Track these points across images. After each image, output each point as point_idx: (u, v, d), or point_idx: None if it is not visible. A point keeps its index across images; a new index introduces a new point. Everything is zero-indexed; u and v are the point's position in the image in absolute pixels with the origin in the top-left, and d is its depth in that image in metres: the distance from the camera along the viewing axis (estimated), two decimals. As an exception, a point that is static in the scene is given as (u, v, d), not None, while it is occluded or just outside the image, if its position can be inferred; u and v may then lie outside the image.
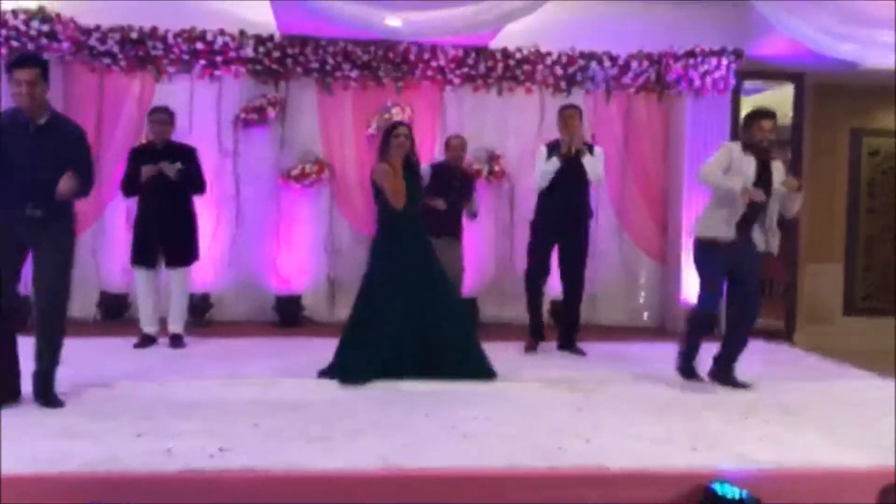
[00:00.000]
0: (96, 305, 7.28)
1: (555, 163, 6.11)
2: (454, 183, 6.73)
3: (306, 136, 7.66)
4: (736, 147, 5.27)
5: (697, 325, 5.36)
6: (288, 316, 7.47)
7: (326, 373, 5.23)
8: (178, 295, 6.21)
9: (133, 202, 6.31)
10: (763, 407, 4.82)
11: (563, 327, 6.50)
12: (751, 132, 5.20)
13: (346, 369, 5.10)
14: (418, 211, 5.39)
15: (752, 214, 5.17)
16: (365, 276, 5.38)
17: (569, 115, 6.22)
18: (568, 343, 6.41)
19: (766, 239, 5.23)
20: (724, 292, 5.44)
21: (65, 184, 4.20)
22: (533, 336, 6.43)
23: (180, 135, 7.06)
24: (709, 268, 5.28)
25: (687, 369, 5.35)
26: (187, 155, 6.17)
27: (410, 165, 5.34)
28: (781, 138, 8.40)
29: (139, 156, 6.14)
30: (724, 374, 5.30)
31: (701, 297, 5.37)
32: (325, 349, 5.85)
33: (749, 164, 5.16)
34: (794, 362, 5.50)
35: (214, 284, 7.44)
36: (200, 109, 7.48)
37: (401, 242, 5.25)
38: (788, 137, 8.42)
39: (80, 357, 4.67)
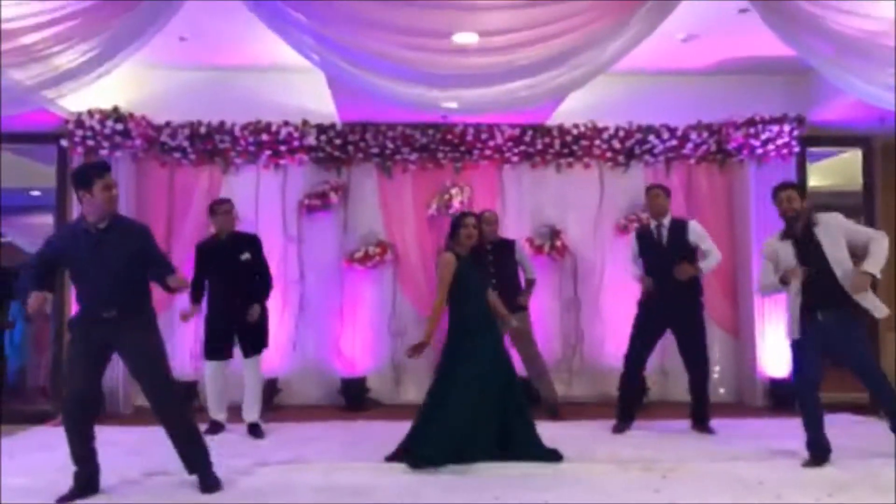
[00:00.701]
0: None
1: (640, 275, 6.25)
2: (486, 259, 6.62)
3: (368, 219, 7.77)
4: (773, 239, 5.19)
5: (802, 399, 5.11)
6: (354, 399, 7.43)
7: (395, 457, 5.14)
8: (254, 384, 6.21)
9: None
10: (851, 484, 4.54)
11: (694, 407, 6.26)
12: (777, 208, 5.10)
13: (418, 454, 5.00)
14: (484, 300, 5.34)
15: (815, 293, 4.96)
16: (439, 363, 5.33)
17: (654, 195, 6.23)
18: (699, 422, 6.19)
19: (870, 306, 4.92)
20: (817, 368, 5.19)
21: (174, 282, 4.42)
22: (621, 417, 6.19)
23: (247, 224, 7.27)
24: (794, 357, 5.10)
25: (812, 443, 5.03)
26: (252, 244, 6.26)
27: (479, 258, 5.34)
28: (853, 203, 8.22)
29: (205, 251, 6.23)
30: None
31: (792, 375, 5.21)
32: (390, 432, 5.79)
33: (786, 249, 5.03)
34: (883, 436, 5.18)
35: (281, 369, 7.48)
36: (266, 198, 7.68)
37: (471, 331, 5.20)
38: (861, 202, 8.19)
39: (148, 445, 4.69)
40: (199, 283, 6.14)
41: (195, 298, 6.16)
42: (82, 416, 4.40)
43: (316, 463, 5.12)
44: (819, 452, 4.98)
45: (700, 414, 6.20)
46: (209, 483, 4.48)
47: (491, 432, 5.10)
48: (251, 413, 6.18)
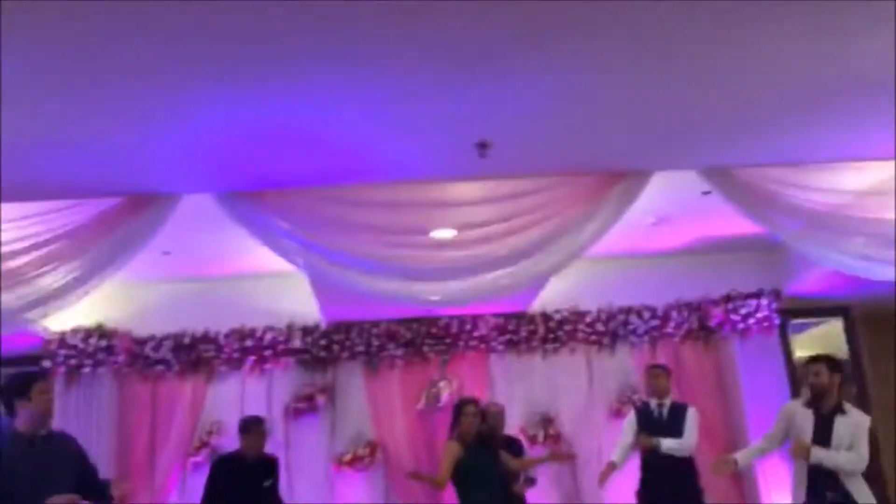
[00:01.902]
0: None
1: (620, 459, 6.11)
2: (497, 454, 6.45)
3: (356, 418, 7.62)
4: (796, 404, 5.15)
5: None
6: None
7: None
8: None
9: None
10: None
11: None
12: (805, 379, 5.08)
13: None
14: (496, 490, 5.15)
15: (817, 476, 4.85)
16: None
17: (654, 374, 6.23)
18: None
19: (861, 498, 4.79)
20: None
21: (119, 488, 4.18)
22: None
23: (232, 433, 7.08)
24: None
25: None
26: (274, 469, 5.95)
27: (486, 445, 5.19)
28: (843, 372, 8.20)
29: (228, 468, 5.84)
30: None
31: None
32: None
33: (807, 419, 4.96)
34: None
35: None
36: (251, 404, 7.53)
37: None
38: (850, 371, 8.18)
39: None
40: (219, 497, 5.71)
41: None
42: None
43: None
44: None
45: None
46: None
47: None
48: None
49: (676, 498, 5.89)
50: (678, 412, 6.07)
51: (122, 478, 4.27)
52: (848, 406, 4.96)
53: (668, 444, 5.90)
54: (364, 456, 7.39)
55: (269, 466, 5.92)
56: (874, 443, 7.74)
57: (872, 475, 7.58)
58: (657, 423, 6.06)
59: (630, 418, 6.30)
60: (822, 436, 4.85)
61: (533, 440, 7.49)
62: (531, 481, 6.50)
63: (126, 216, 5.16)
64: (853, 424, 4.86)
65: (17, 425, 4.10)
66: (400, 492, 7.46)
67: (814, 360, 5.09)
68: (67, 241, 5.08)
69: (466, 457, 5.00)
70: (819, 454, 4.79)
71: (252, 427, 5.90)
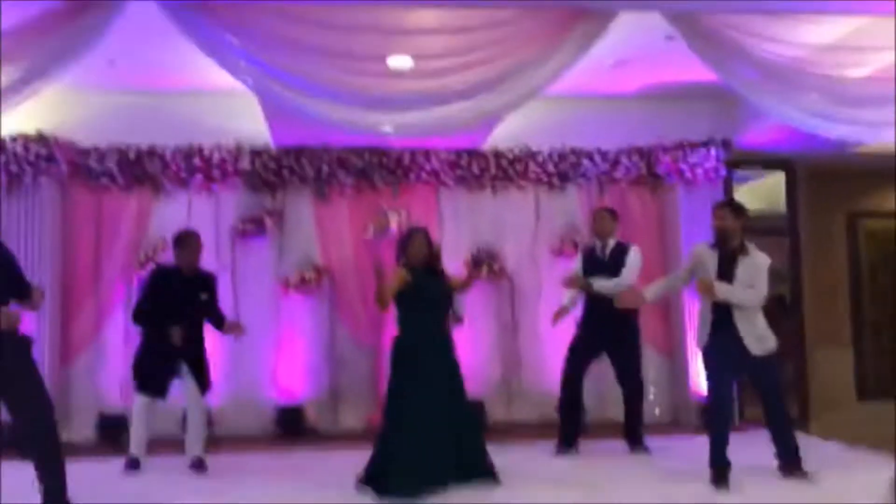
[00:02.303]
0: (94, 427, 7.11)
1: (570, 300, 6.31)
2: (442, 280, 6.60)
3: (304, 244, 7.68)
4: (703, 246, 5.33)
5: (712, 418, 5.20)
6: (291, 428, 7.29)
7: (363, 482, 5.00)
8: (199, 420, 5.89)
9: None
10: (784, 497, 4.63)
11: (627, 426, 6.30)
12: (713, 222, 5.24)
13: (390, 484, 4.83)
14: (442, 319, 5.28)
15: (719, 312, 5.10)
16: (390, 381, 5.18)
17: (599, 216, 6.36)
18: (634, 441, 6.24)
19: (749, 338, 5.06)
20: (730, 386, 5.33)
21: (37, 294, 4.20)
22: (563, 442, 6.15)
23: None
24: (707, 371, 5.24)
25: (715, 461, 5.06)
26: (211, 283, 5.98)
27: (433, 271, 5.27)
28: (779, 226, 8.49)
29: (164, 280, 5.85)
30: (787, 468, 5.14)
31: (707, 392, 5.31)
32: (328, 462, 5.72)
33: (712, 258, 5.17)
34: (813, 452, 5.32)
35: (215, 399, 7.25)
36: (198, 223, 7.46)
37: (423, 347, 5.11)
38: (785, 225, 8.46)
39: (77, 481, 4.49)
40: (147, 307, 5.78)
41: (140, 321, 5.84)
42: None
43: (252, 500, 4.95)
44: (722, 468, 5.04)
45: (634, 433, 6.26)
46: None
47: (452, 453, 5.00)
48: (195, 447, 5.86)
49: (613, 335, 6.13)
50: (620, 252, 6.23)
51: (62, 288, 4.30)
52: (752, 248, 5.16)
53: (599, 283, 6.08)
54: (310, 279, 7.52)
55: (205, 280, 5.96)
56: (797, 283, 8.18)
57: (794, 314, 8.10)
58: (600, 263, 6.23)
59: (577, 260, 6.50)
60: (726, 274, 5.09)
61: (477, 274, 7.66)
62: (458, 320, 6.67)
63: (69, 18, 4.89)
64: (754, 265, 5.09)
65: None
66: (345, 317, 7.67)
67: (719, 205, 5.32)
68: (7, 41, 4.82)
69: (414, 280, 5.10)
70: (722, 288, 5.03)
71: (185, 239, 5.88)
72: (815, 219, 8.75)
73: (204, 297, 5.88)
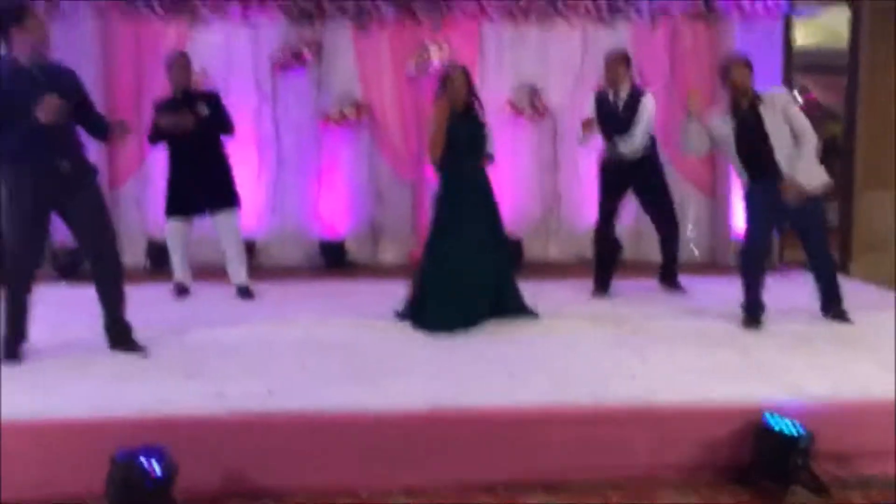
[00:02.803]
0: (144, 254, 7.37)
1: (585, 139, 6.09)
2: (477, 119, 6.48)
3: (344, 78, 7.56)
4: (712, 123, 5.12)
5: (747, 262, 5.20)
6: (332, 260, 7.49)
7: (404, 314, 5.16)
8: (234, 243, 5.99)
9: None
10: (816, 338, 4.70)
11: (663, 263, 6.34)
12: (727, 81, 5.01)
13: (431, 317, 4.96)
14: (479, 161, 5.25)
15: (757, 166, 4.96)
16: (434, 218, 5.24)
17: (610, 61, 6.02)
18: (668, 279, 6.29)
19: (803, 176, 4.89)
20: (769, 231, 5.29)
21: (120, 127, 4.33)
22: (598, 285, 6.14)
23: (217, 81, 7.07)
24: (748, 211, 5.17)
25: (748, 305, 5.10)
26: (210, 100, 5.97)
27: (471, 112, 5.19)
28: (838, 63, 8.12)
29: (161, 108, 5.91)
30: (829, 309, 5.15)
31: (746, 234, 5.26)
32: (370, 291, 5.92)
33: (727, 128, 5.01)
34: (849, 293, 5.34)
35: (258, 231, 7.47)
36: (237, 54, 7.43)
37: (464, 187, 5.13)
38: (846, 62, 8.08)
39: (128, 305, 4.72)
40: (155, 131, 5.89)
41: (152, 142, 5.99)
42: (27, 283, 4.25)
43: (296, 320, 5.19)
44: (755, 312, 5.07)
45: (668, 270, 6.29)
46: (131, 346, 4.40)
47: (491, 290, 5.13)
48: (239, 275, 6.02)
49: (634, 177, 5.99)
50: (634, 100, 5.96)
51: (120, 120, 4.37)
52: (760, 94, 4.97)
53: (619, 148, 5.90)
54: (351, 115, 7.46)
55: (202, 99, 5.92)
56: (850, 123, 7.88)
57: (844, 155, 7.88)
58: (612, 113, 5.99)
59: (589, 102, 6.18)
60: (747, 131, 4.92)
61: (519, 112, 7.55)
62: (490, 159, 6.58)
63: None
64: (776, 105, 4.90)
65: (15, 54, 4.07)
66: (385, 152, 7.66)
67: (742, 63, 5.02)
68: None
69: (451, 122, 5.05)
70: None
71: (171, 62, 5.91)
72: (876, 58, 8.32)
73: (203, 111, 5.82)
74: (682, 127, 5.35)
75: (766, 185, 4.96)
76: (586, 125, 6.00)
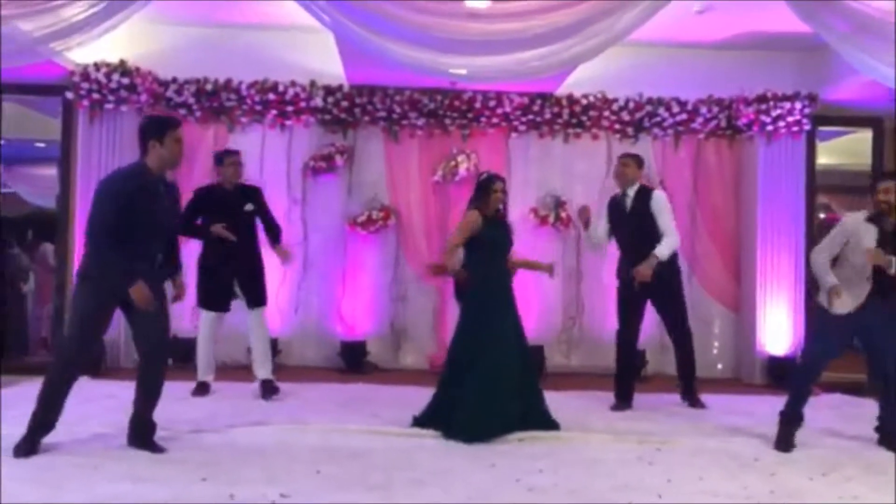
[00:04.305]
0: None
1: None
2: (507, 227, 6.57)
3: (373, 183, 7.74)
4: (859, 216, 4.99)
5: (799, 379, 5.10)
6: (353, 362, 7.47)
7: (422, 422, 5.09)
8: (262, 339, 6.07)
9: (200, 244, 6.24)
10: (845, 464, 4.56)
11: (680, 378, 6.27)
12: (874, 198, 4.95)
13: (459, 427, 4.88)
14: (505, 261, 5.31)
15: (881, 284, 4.83)
16: (460, 322, 5.21)
17: (621, 163, 6.14)
18: (687, 394, 6.21)
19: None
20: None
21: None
22: (619, 397, 6.08)
23: (252, 183, 7.24)
24: (821, 335, 5.03)
25: (786, 419, 4.97)
26: (255, 195, 6.17)
27: (502, 219, 5.32)
28: (861, 184, 8.18)
29: (205, 198, 6.06)
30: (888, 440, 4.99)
31: (805, 355, 5.20)
32: (388, 396, 5.87)
33: (870, 232, 4.86)
34: (873, 417, 5.22)
35: (282, 329, 7.50)
36: (271, 158, 7.65)
37: (493, 293, 5.15)
38: (869, 184, 8.14)
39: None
40: (192, 223, 5.95)
41: (186, 233, 5.95)
42: (78, 374, 4.43)
43: (314, 424, 5.14)
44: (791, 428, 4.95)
45: (687, 386, 6.21)
46: (150, 447, 4.39)
47: (519, 395, 5.06)
48: (263, 370, 6.04)
49: (652, 286, 5.90)
50: (642, 198, 5.99)
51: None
52: None
53: (663, 252, 5.84)
54: (378, 219, 7.60)
55: (248, 193, 6.12)
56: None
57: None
58: (623, 212, 6.05)
59: (603, 214, 6.26)
60: (888, 246, 4.80)
61: (543, 221, 7.65)
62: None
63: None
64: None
65: (147, 164, 4.33)
66: (410, 256, 7.74)
67: (885, 176, 5.02)
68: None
69: (485, 229, 5.14)
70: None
71: (224, 158, 6.10)
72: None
73: (249, 207, 6.01)
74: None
75: (875, 307, 4.84)
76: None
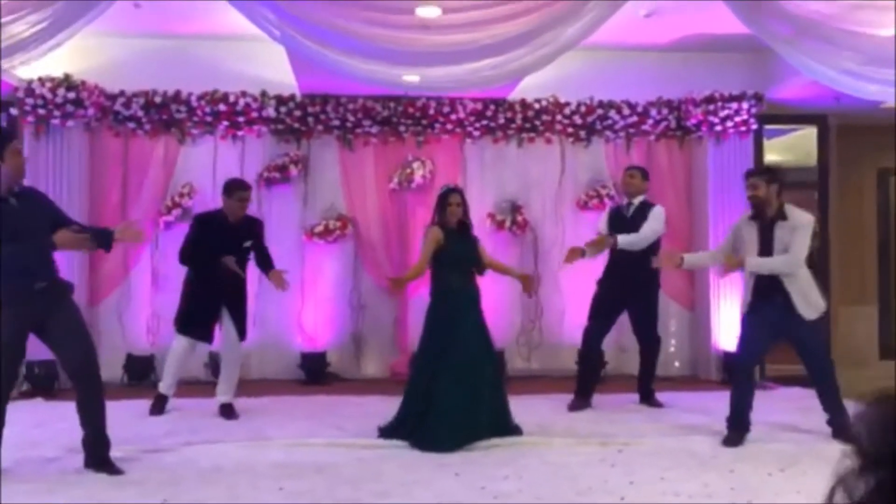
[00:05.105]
0: (122, 368, 7.27)
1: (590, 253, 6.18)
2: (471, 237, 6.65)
3: (329, 192, 7.70)
4: (744, 218, 5.21)
5: (739, 382, 5.20)
6: (313, 373, 7.42)
7: (388, 432, 5.09)
8: (234, 366, 6.00)
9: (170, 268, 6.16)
10: (801, 459, 4.67)
11: (640, 381, 6.42)
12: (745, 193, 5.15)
13: (427, 438, 4.89)
14: (471, 274, 5.35)
15: (762, 282, 5.03)
16: (424, 333, 5.26)
17: (629, 175, 6.34)
18: (646, 396, 6.34)
19: (800, 302, 4.99)
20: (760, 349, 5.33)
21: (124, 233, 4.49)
22: (579, 395, 6.19)
23: (204, 196, 7.18)
24: (745, 333, 5.20)
25: (734, 423, 5.09)
26: (257, 229, 6.07)
27: (465, 231, 5.34)
28: (808, 180, 8.38)
29: (211, 226, 5.90)
30: (840, 431, 5.04)
31: (737, 350, 5.32)
32: (350, 407, 5.84)
33: (751, 231, 5.08)
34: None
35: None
36: (223, 170, 7.52)
37: (456, 303, 5.20)
38: (815, 179, 8.36)
39: (106, 421, 4.63)
40: (197, 252, 5.84)
41: (186, 261, 5.90)
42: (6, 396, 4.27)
43: (277, 440, 5.10)
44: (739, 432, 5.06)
45: (646, 388, 6.35)
46: (107, 468, 4.31)
47: (486, 409, 5.08)
48: (227, 394, 5.98)
49: (634, 290, 6.14)
50: (644, 211, 6.21)
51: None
52: (790, 210, 5.03)
53: (623, 239, 6.03)
54: (335, 229, 7.56)
55: (250, 227, 6.02)
56: (824, 239, 8.05)
57: (820, 272, 8.00)
58: (624, 222, 6.22)
59: (602, 217, 6.50)
60: (765, 245, 5.01)
61: (500, 225, 7.70)
62: (481, 272, 6.64)
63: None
64: (791, 228, 4.97)
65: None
66: (368, 265, 7.72)
67: (750, 174, 5.19)
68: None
69: (447, 242, 5.17)
70: (752, 262, 4.98)
71: (235, 193, 5.90)
72: (844, 174, 8.63)
73: (248, 244, 5.94)
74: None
75: (771, 302, 5.00)
76: (595, 245, 6.10)
